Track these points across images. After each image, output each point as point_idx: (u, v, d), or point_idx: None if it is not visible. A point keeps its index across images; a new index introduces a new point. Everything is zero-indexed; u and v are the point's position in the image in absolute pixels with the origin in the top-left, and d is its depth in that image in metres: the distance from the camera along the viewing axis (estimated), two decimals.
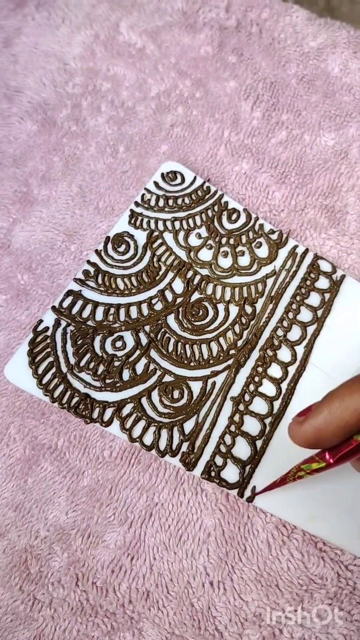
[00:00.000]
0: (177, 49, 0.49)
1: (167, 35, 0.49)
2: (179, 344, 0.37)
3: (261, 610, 0.32)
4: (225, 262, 0.40)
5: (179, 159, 0.44)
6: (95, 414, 0.35)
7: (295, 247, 0.40)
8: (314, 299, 0.38)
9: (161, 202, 0.42)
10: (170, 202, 0.42)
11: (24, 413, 0.38)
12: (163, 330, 0.38)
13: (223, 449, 0.34)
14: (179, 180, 0.43)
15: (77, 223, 0.43)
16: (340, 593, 0.32)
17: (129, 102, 0.47)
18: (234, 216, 0.41)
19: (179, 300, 0.39)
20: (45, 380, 0.36)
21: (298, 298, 0.38)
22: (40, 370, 0.36)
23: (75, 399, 0.36)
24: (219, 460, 0.34)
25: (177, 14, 0.50)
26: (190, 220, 0.41)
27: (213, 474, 0.33)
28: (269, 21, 0.49)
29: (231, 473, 0.33)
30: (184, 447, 0.34)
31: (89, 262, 0.40)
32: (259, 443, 0.34)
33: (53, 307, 0.38)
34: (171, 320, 0.38)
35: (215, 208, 0.41)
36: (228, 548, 0.33)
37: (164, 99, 0.47)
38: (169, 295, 0.39)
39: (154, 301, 0.39)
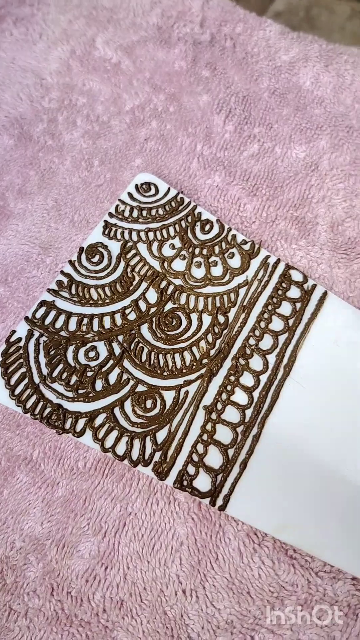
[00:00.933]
0: (151, 64, 0.49)
1: (142, 50, 0.50)
2: (152, 353, 0.38)
3: (233, 618, 0.32)
4: (198, 272, 0.40)
5: (153, 172, 0.45)
6: (67, 425, 0.36)
7: (267, 257, 0.40)
8: (286, 308, 0.38)
9: (135, 213, 0.42)
10: (144, 213, 0.42)
11: None
12: (136, 340, 0.38)
13: (195, 458, 0.34)
14: (152, 191, 0.43)
15: (53, 236, 0.43)
16: (310, 599, 0.32)
17: (104, 117, 0.48)
18: (207, 227, 0.42)
19: (152, 310, 0.39)
20: (17, 391, 0.37)
21: (270, 307, 0.38)
22: (12, 381, 0.37)
23: (47, 410, 0.36)
24: (191, 470, 0.34)
25: (152, 29, 0.51)
26: (164, 231, 0.42)
27: (185, 483, 0.34)
28: (243, 35, 0.50)
29: (203, 482, 0.34)
30: (157, 456, 0.35)
31: (62, 272, 0.40)
32: (230, 452, 0.34)
33: (26, 318, 0.39)
34: (144, 330, 0.38)
35: (189, 219, 0.42)
36: (200, 556, 0.34)
37: (138, 113, 0.48)
38: (142, 305, 0.39)
39: (127, 311, 0.39)
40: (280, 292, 0.39)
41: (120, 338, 0.38)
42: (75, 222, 0.44)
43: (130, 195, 0.43)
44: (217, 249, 0.41)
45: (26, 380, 0.37)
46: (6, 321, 0.41)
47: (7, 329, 0.41)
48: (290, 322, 0.38)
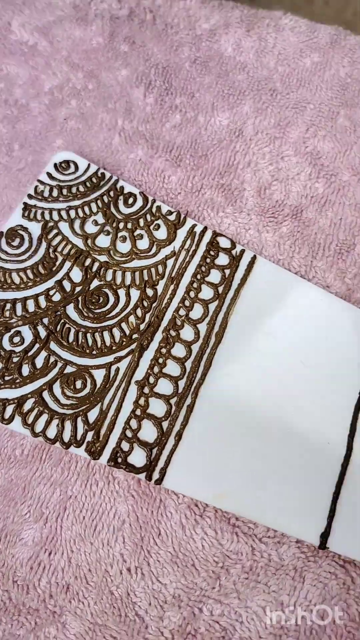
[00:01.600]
0: (68, 43, 0.48)
1: (58, 30, 0.49)
2: (80, 333, 0.37)
3: (180, 592, 0.32)
4: (124, 247, 0.39)
5: (75, 151, 0.44)
6: None
7: (194, 226, 0.40)
8: (215, 276, 0.38)
9: (55, 192, 0.41)
10: (65, 191, 0.41)
11: None
12: (62, 321, 0.37)
13: (129, 433, 0.34)
14: (72, 169, 0.42)
15: None
16: (255, 566, 0.32)
17: (22, 100, 0.47)
18: (130, 200, 0.41)
19: (77, 289, 0.38)
20: None
21: (199, 276, 0.38)
22: None
23: None
24: (125, 446, 0.34)
25: (68, 8, 0.50)
26: (86, 208, 0.41)
27: (120, 460, 0.33)
28: (163, 7, 0.49)
29: (138, 457, 0.33)
30: (89, 436, 0.34)
31: None
32: (165, 424, 0.34)
33: None
34: (70, 310, 0.38)
35: (111, 194, 0.41)
36: (143, 533, 0.33)
37: (57, 94, 0.47)
38: (67, 285, 0.38)
39: (51, 292, 0.38)
40: (208, 260, 0.38)
41: (45, 321, 0.37)
42: None
43: (49, 175, 0.42)
44: (142, 221, 0.40)
45: None
46: None
47: None
48: (220, 289, 0.37)
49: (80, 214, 0.41)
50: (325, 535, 0.31)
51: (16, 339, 0.37)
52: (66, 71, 0.47)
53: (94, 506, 0.34)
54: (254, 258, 0.38)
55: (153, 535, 0.33)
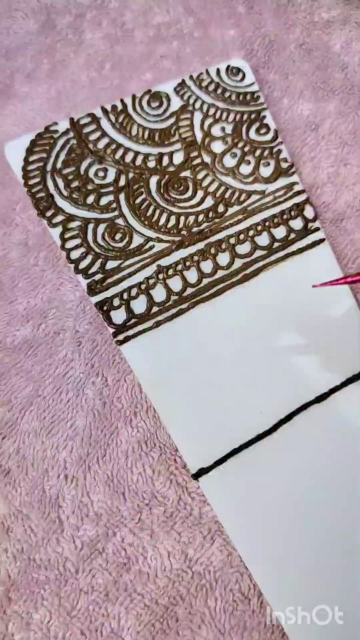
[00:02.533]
0: None
1: None
2: (146, 201, 0.40)
3: (102, 511, 0.34)
4: (229, 161, 0.42)
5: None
6: (48, 214, 0.40)
7: (295, 183, 0.41)
8: (279, 232, 0.40)
9: (211, 87, 0.44)
10: (219, 91, 0.44)
11: None
12: (142, 184, 0.41)
13: (125, 296, 0.38)
14: (238, 77, 0.44)
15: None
16: (176, 515, 0.34)
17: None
18: (263, 130, 0.43)
19: (170, 169, 0.41)
20: (29, 168, 0.40)
21: (267, 224, 0.40)
22: (31, 159, 0.41)
23: (42, 194, 0.40)
24: (116, 302, 0.37)
25: None
26: (224, 113, 0.43)
27: (105, 308, 0.37)
28: None
29: (119, 317, 0.37)
30: (97, 277, 0.38)
31: (121, 100, 0.43)
32: (155, 308, 0.37)
33: (71, 119, 0.42)
34: (153, 181, 0.41)
35: (252, 116, 0.43)
36: (90, 449, 0.36)
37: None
38: (165, 160, 0.42)
39: (150, 158, 0.42)
40: (285, 216, 0.40)
41: (130, 174, 0.41)
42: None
43: (218, 71, 0.44)
44: (258, 151, 0.42)
45: (41, 164, 0.41)
46: None
47: None
48: (275, 245, 0.39)
49: (217, 115, 0.43)
50: (203, 471, 0.34)
51: (100, 174, 0.41)
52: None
53: (57, 411, 0.37)
54: (321, 240, 0.40)
55: (98, 455, 0.35)
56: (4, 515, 0.34)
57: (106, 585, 0.33)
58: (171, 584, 0.33)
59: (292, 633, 0.31)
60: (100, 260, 0.38)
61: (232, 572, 0.33)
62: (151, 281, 0.38)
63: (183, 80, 0.44)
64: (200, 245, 0.39)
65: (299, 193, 0.41)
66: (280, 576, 0.32)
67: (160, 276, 0.38)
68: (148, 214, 0.40)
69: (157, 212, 0.40)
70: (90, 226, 0.39)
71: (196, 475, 0.34)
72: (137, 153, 0.42)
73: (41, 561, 0.34)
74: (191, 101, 0.43)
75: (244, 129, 0.43)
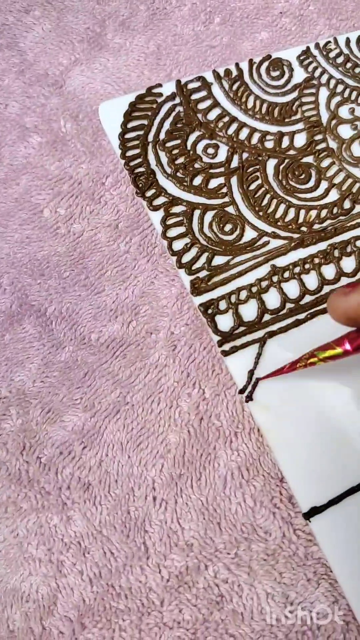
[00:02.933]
0: None
1: None
2: (263, 189, 0.36)
3: (194, 542, 0.31)
4: (358, 150, 0.37)
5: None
6: (148, 193, 0.35)
7: None
8: None
9: (340, 59, 0.39)
10: (349, 65, 0.39)
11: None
12: (258, 167, 0.36)
13: (233, 299, 0.33)
14: None
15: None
16: (278, 553, 0.31)
17: None
18: None
19: (291, 152, 0.37)
20: (128, 136, 0.36)
21: None
22: (129, 125, 0.36)
23: (141, 169, 0.35)
24: (222, 305, 0.33)
25: None
26: (354, 93, 0.38)
27: (210, 312, 0.32)
28: None
29: (225, 322, 0.32)
30: (202, 274, 0.33)
31: (237, 65, 0.38)
32: (267, 317, 0.33)
33: (178, 81, 0.37)
34: (271, 165, 0.36)
35: None
36: (183, 470, 0.32)
37: None
38: (285, 142, 0.37)
39: (268, 137, 0.37)
40: None
41: (244, 155, 0.36)
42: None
43: (347, 40, 0.39)
44: None
45: (141, 133, 0.36)
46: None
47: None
48: None
49: (346, 94, 0.39)
50: (315, 510, 0.30)
51: (210, 150, 0.36)
52: None
53: (146, 423, 0.33)
54: None
55: (193, 477, 0.32)
56: (82, 535, 0.31)
57: (194, 623, 0.30)
58: (268, 628, 0.30)
59: None
60: (206, 254, 0.33)
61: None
62: (264, 284, 0.33)
63: (308, 48, 0.38)
64: (322, 245, 0.34)
65: None
66: None
67: (275, 278, 0.33)
68: (263, 204, 0.35)
69: (274, 202, 0.35)
70: (197, 213, 0.34)
71: (308, 515, 0.30)
72: (253, 130, 0.37)
73: (121, 589, 0.31)
74: (317, 74, 0.38)
75: None
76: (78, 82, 0.39)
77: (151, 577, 0.31)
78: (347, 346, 0.26)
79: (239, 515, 0.31)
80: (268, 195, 0.35)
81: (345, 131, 0.37)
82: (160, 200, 0.34)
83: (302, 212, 0.35)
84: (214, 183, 0.35)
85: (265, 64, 0.38)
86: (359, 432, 0.31)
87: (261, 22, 0.40)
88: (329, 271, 0.34)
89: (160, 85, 0.36)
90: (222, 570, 0.31)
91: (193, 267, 0.33)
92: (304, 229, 0.34)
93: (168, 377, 0.33)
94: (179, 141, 0.36)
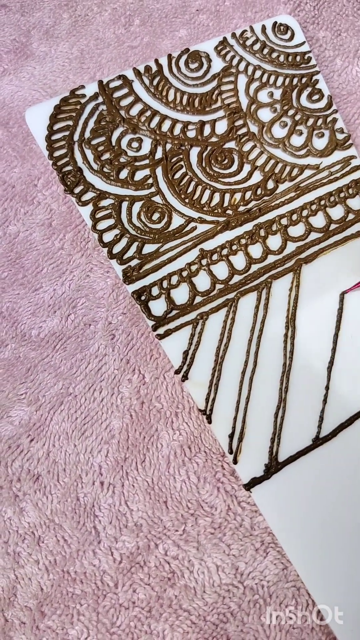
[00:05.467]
0: None
1: None
2: (187, 177, 0.38)
3: (143, 522, 0.32)
4: (278, 132, 0.39)
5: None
6: (77, 190, 0.37)
7: (353, 157, 0.39)
8: (337, 212, 0.37)
9: (257, 47, 0.41)
10: (265, 51, 0.41)
11: None
12: (181, 156, 0.38)
13: (165, 284, 0.35)
14: (287, 36, 0.42)
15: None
16: (225, 525, 0.32)
17: None
18: (316, 97, 0.40)
19: (213, 139, 0.39)
20: (54, 138, 0.38)
21: (322, 202, 0.37)
22: (55, 127, 0.38)
23: (69, 167, 0.37)
24: (154, 291, 0.35)
25: None
26: (272, 77, 0.41)
27: (143, 298, 0.34)
28: None
29: (158, 308, 0.34)
30: (133, 262, 0.35)
31: (156, 61, 0.40)
32: (198, 298, 0.35)
33: (100, 82, 0.39)
34: (194, 153, 0.38)
35: (303, 80, 0.40)
36: (128, 454, 0.34)
37: None
38: (206, 130, 0.39)
39: (190, 127, 0.39)
40: (342, 194, 0.38)
41: (168, 146, 0.38)
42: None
43: (263, 28, 0.42)
44: (310, 120, 0.39)
45: (67, 133, 0.38)
46: None
47: None
48: (332, 227, 0.37)
49: (264, 79, 0.41)
50: (255, 481, 0.32)
51: (134, 144, 0.38)
52: None
53: (89, 411, 0.34)
54: None
55: (137, 460, 0.33)
56: (35, 525, 0.33)
57: (149, 601, 0.32)
58: (221, 600, 0.31)
59: None
60: (136, 243, 0.36)
61: (288, 586, 0.31)
62: (193, 267, 0.35)
63: (225, 39, 0.41)
64: (248, 226, 0.36)
65: (357, 168, 0.38)
66: (340, 590, 0.30)
67: (204, 262, 0.35)
68: (189, 191, 0.37)
69: (199, 188, 0.37)
70: (125, 205, 0.37)
71: (248, 485, 0.32)
72: (175, 121, 0.39)
73: (76, 574, 0.32)
74: (234, 62, 0.41)
75: (294, 94, 0.40)
76: (7, 91, 0.41)
77: (104, 560, 0.32)
78: None
79: (184, 493, 0.33)
80: (193, 183, 0.37)
81: (265, 114, 0.39)
82: (89, 195, 0.37)
83: (227, 195, 0.37)
84: (139, 175, 0.37)
85: (184, 57, 0.40)
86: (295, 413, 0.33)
87: (179, 21, 0.43)
88: (255, 250, 0.36)
89: (83, 86, 0.39)
90: (171, 548, 0.32)
91: (124, 257, 0.35)
92: (229, 212, 0.37)
93: (108, 365, 0.35)
94: (103, 138, 0.38)
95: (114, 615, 0.31)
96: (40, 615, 0.31)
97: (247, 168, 0.38)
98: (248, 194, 0.37)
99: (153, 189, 0.37)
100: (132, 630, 0.31)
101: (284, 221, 0.37)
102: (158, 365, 0.35)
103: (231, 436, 0.32)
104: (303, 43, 0.41)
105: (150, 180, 0.37)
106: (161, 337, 0.34)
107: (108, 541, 0.32)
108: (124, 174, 0.37)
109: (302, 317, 0.34)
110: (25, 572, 0.32)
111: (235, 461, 0.32)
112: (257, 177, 0.38)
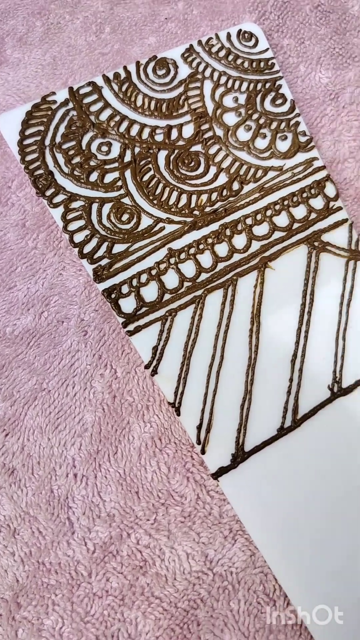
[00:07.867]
0: None
1: None
2: (155, 179, 0.40)
3: (115, 512, 0.34)
4: (243, 135, 0.41)
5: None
6: (48, 192, 0.39)
7: (315, 159, 0.41)
8: (299, 211, 0.39)
9: (222, 53, 0.43)
10: (230, 57, 0.43)
11: None
12: (149, 159, 0.40)
13: (134, 283, 0.37)
14: (251, 43, 0.44)
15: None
16: (194, 514, 0.34)
17: None
18: (279, 101, 0.42)
19: (180, 142, 0.41)
20: (25, 142, 0.40)
21: (285, 202, 0.39)
22: (27, 132, 0.40)
23: (40, 171, 0.39)
24: (124, 289, 0.37)
25: None
26: (237, 83, 0.43)
27: (113, 296, 0.36)
28: None
29: (128, 305, 0.36)
30: (103, 262, 0.37)
31: (125, 68, 0.42)
32: (167, 296, 0.37)
33: (70, 88, 0.41)
34: (162, 156, 0.40)
35: (267, 85, 0.43)
36: (100, 446, 0.35)
37: None
38: (174, 134, 0.41)
39: (158, 131, 0.41)
40: (305, 195, 0.40)
41: (136, 150, 0.40)
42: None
43: (229, 35, 0.44)
44: (274, 124, 0.42)
45: (38, 138, 0.40)
46: None
47: None
48: (295, 226, 0.39)
49: (229, 84, 0.43)
50: (223, 470, 0.33)
51: (104, 148, 0.40)
52: None
53: (63, 406, 0.36)
54: (345, 220, 0.39)
55: (109, 452, 0.35)
56: (10, 517, 0.34)
57: (122, 589, 0.33)
58: (191, 587, 0.33)
59: (320, 634, 0.31)
60: (106, 243, 0.38)
61: (256, 572, 0.33)
62: (162, 266, 0.37)
63: (191, 46, 0.43)
64: (214, 226, 0.38)
65: (319, 169, 0.40)
66: (306, 576, 0.32)
67: (172, 260, 0.37)
68: (157, 193, 0.39)
69: (167, 190, 0.39)
70: (95, 206, 0.38)
71: (216, 475, 0.33)
72: (143, 125, 0.41)
73: (51, 565, 0.33)
74: (200, 69, 0.43)
75: (258, 99, 0.42)
76: None
77: (78, 550, 0.33)
78: None
79: (155, 483, 0.34)
80: (161, 185, 0.39)
81: (230, 118, 0.42)
82: (60, 197, 0.38)
83: (194, 197, 0.39)
84: (109, 178, 0.39)
85: (152, 64, 0.42)
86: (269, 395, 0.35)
87: (148, 28, 0.45)
88: (221, 249, 0.38)
89: (54, 93, 0.41)
90: (143, 537, 0.34)
91: (95, 256, 0.37)
92: (196, 212, 0.39)
93: (81, 361, 0.37)
94: (74, 142, 0.40)
95: (88, 605, 0.33)
96: (16, 607, 0.33)
97: (213, 170, 0.40)
98: (214, 195, 0.39)
99: (122, 191, 0.39)
100: (105, 618, 0.32)
101: (249, 221, 0.39)
102: (129, 360, 0.37)
103: (199, 427, 0.34)
104: (267, 50, 0.43)
105: (119, 183, 0.39)
106: (131, 333, 0.36)
107: (82, 532, 0.34)
108: (94, 176, 0.39)
109: (267, 313, 0.36)
110: (1, 564, 0.33)
111: (203, 451, 0.33)
112: (222, 178, 0.40)
